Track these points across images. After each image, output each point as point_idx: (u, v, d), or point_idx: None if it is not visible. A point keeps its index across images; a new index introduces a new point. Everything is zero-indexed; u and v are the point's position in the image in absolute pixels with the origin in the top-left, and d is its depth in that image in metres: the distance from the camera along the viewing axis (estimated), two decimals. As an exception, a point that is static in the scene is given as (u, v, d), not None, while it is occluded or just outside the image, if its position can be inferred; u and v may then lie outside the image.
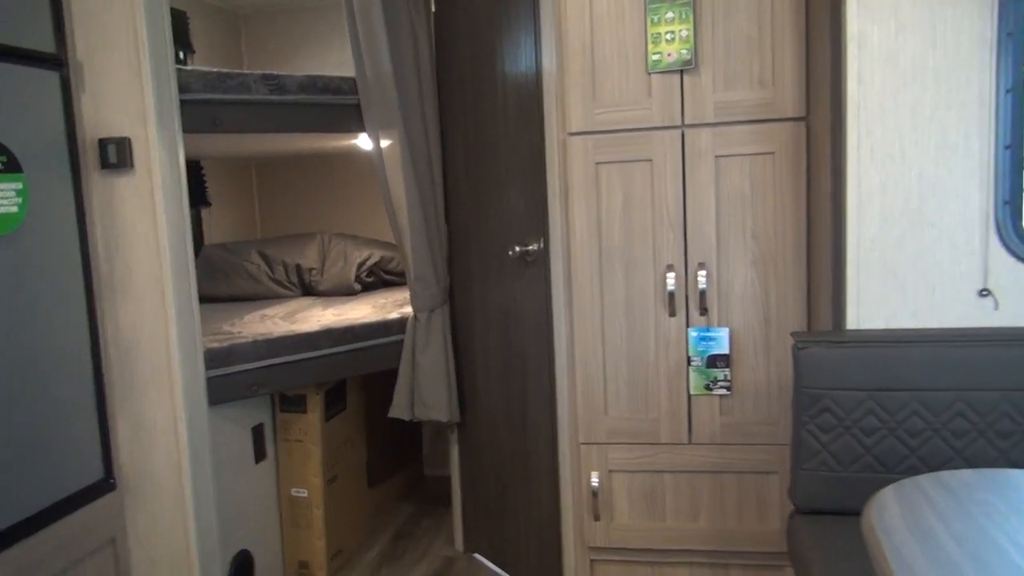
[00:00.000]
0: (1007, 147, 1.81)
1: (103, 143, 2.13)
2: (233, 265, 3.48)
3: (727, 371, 2.15)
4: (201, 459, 2.25)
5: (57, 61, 2.05)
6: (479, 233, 2.69)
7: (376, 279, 3.54)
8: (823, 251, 2.04)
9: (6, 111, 1.86)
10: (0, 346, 1.84)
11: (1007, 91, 1.80)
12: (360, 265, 3.47)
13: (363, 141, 3.03)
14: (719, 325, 2.15)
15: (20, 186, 1.89)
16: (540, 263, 2.37)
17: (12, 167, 1.87)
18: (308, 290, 3.51)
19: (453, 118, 2.76)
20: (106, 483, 2.16)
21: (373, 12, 2.56)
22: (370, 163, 3.62)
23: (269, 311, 3.09)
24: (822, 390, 1.76)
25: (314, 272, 3.51)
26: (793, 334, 1.87)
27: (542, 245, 2.35)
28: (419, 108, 2.69)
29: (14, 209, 1.88)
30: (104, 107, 2.13)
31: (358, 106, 2.66)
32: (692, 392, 2.18)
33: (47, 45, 2.03)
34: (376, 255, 3.53)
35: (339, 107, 2.65)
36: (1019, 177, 1.82)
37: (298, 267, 3.51)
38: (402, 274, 3.54)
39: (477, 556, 2.90)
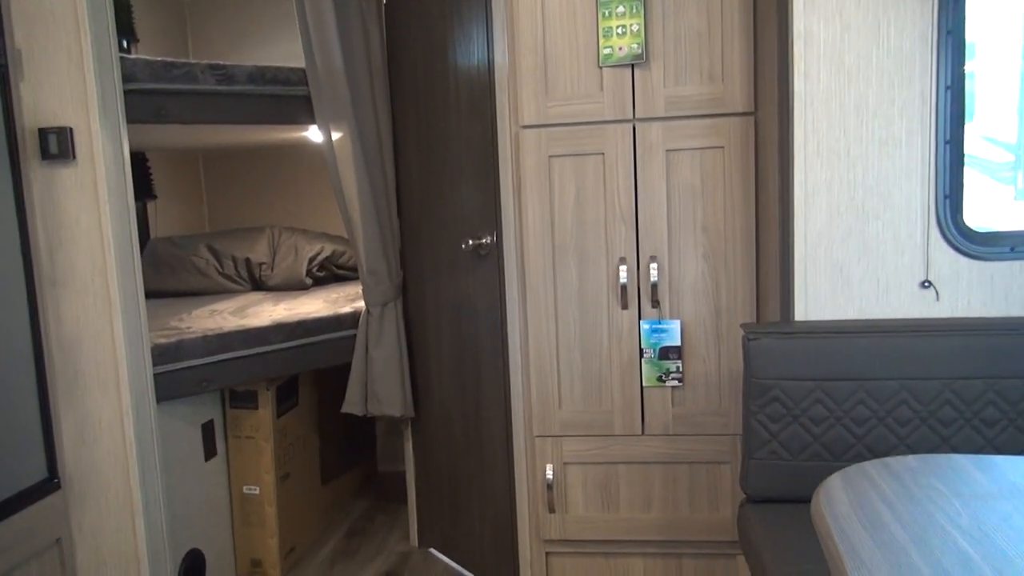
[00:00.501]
0: (947, 142, 1.86)
1: (43, 133, 2.06)
2: (180, 259, 3.41)
3: (679, 363, 2.18)
4: (149, 457, 2.21)
5: (-6, 48, 1.99)
6: (432, 227, 2.68)
7: (327, 273, 3.51)
8: (771, 244, 2.08)
9: (-61, 99, 1.80)
10: (-65, 343, 1.78)
11: (947, 88, 1.85)
12: (311, 259, 3.44)
13: (313, 133, 2.99)
14: (671, 317, 2.18)
15: (-44, 177, 1.83)
16: (493, 256, 2.37)
17: (-54, 157, 1.81)
18: (258, 285, 3.46)
19: (404, 110, 2.74)
20: (50, 482, 2.10)
21: (323, 3, 2.53)
22: (320, 156, 3.57)
23: (218, 306, 3.03)
24: (771, 380, 1.79)
25: (264, 266, 3.45)
26: (743, 326, 1.90)
27: (495, 238, 2.35)
28: (370, 100, 2.66)
29: (-51, 201, 1.81)
30: (44, 96, 2.07)
31: (308, 98, 2.62)
32: (645, 384, 2.21)
33: (-18, 31, 1.96)
34: (327, 249, 3.50)
35: (288, 98, 2.61)
36: (959, 172, 1.87)
37: (248, 261, 3.45)
38: (354, 268, 3.50)
39: (432, 551, 2.89)
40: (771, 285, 2.09)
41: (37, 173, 2.08)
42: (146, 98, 2.28)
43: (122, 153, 2.15)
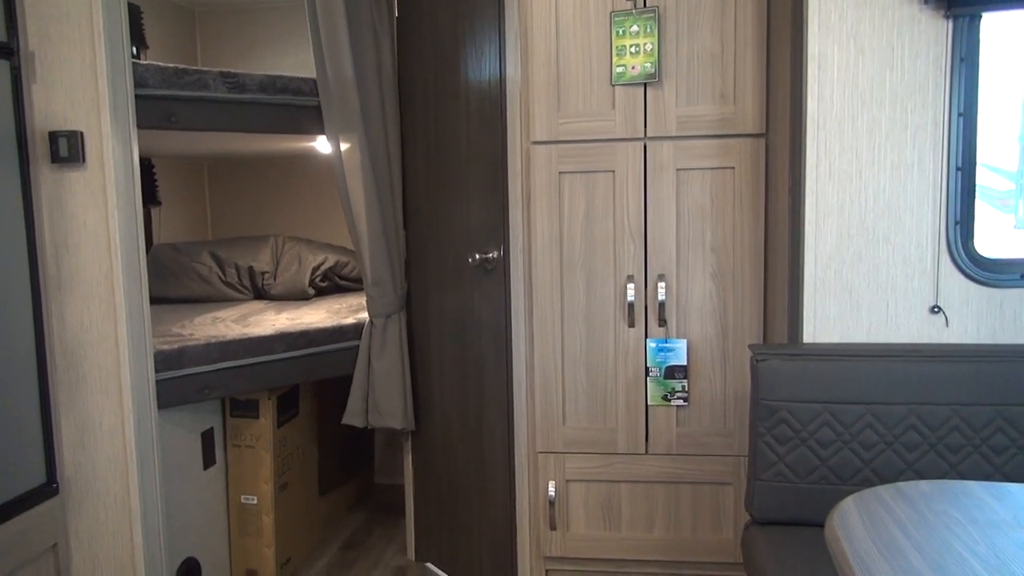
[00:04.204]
0: (959, 169, 1.87)
1: (54, 136, 2.06)
2: (183, 266, 3.40)
3: (685, 382, 2.17)
4: (148, 464, 2.19)
5: (8, 50, 1.99)
6: (438, 240, 2.67)
7: (330, 284, 3.50)
8: (780, 265, 2.08)
9: (-48, 99, 1.80)
10: (-61, 344, 1.76)
11: (959, 114, 1.86)
12: (315, 269, 3.43)
13: (321, 144, 2.99)
14: (677, 336, 2.17)
15: (-35, 178, 1.82)
16: (499, 271, 2.37)
17: (-43, 158, 1.80)
18: (260, 294, 3.45)
19: (414, 124, 2.74)
20: (48, 487, 2.08)
21: (336, 15, 2.53)
22: (326, 166, 3.59)
23: (221, 313, 3.02)
24: (779, 402, 1.78)
25: (267, 276, 3.44)
26: (751, 347, 1.89)
27: (502, 253, 2.35)
28: (380, 112, 2.67)
29: (-42, 201, 1.81)
30: (56, 99, 2.07)
31: (318, 108, 2.63)
32: (650, 403, 2.20)
33: (-3, 33, 1.96)
34: (331, 260, 3.49)
35: (298, 108, 2.61)
36: (970, 199, 1.88)
37: (251, 270, 3.44)
38: (357, 279, 3.50)
39: (429, 565, 2.87)
40: (779, 306, 2.08)
41: (46, 176, 2.08)
42: (157, 104, 2.27)
43: (132, 158, 2.14)
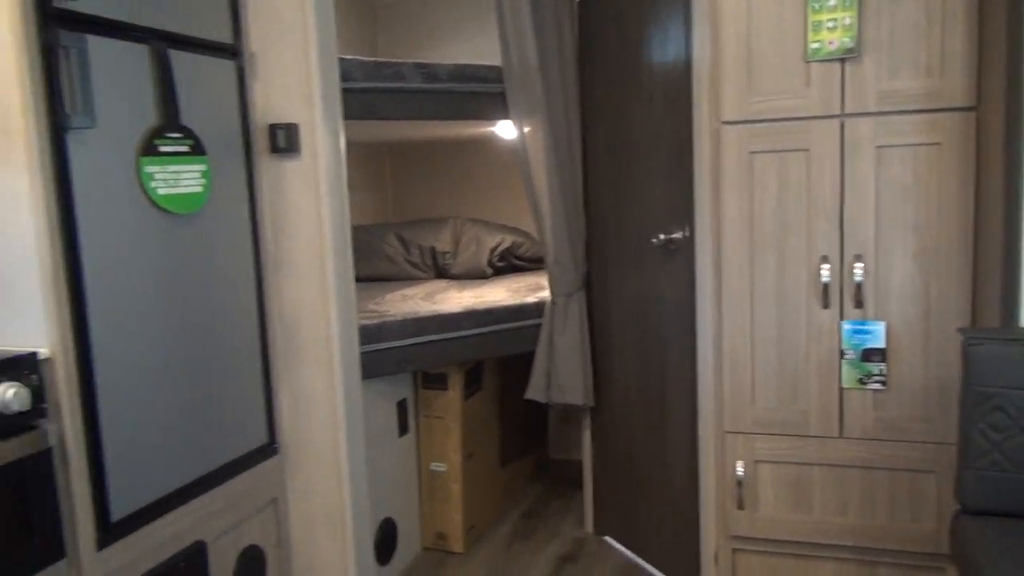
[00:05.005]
0: None
1: (273, 128, 2.25)
2: (372, 247, 3.61)
3: (883, 366, 2.11)
4: (355, 429, 2.37)
5: (234, 51, 2.18)
6: (618, 220, 2.71)
7: (507, 264, 3.61)
8: (992, 246, 1.97)
9: (192, 98, 2.00)
10: (187, 319, 1.99)
11: None
12: (493, 250, 3.55)
13: (501, 128, 3.09)
14: (875, 318, 2.10)
15: (204, 168, 2.03)
16: (684, 251, 2.38)
17: (197, 150, 2.01)
18: (441, 272, 3.61)
19: (594, 106, 2.79)
20: (270, 448, 2.30)
21: (521, 3, 2.61)
22: (501, 150, 3.70)
23: (408, 291, 3.20)
24: (994, 388, 1.70)
25: (448, 255, 3.60)
26: (961, 330, 1.81)
27: (687, 233, 2.35)
28: (562, 96, 2.73)
29: (199, 189, 2.02)
30: (274, 95, 2.26)
31: (502, 94, 2.72)
32: (844, 385, 2.15)
33: (225, 36, 2.16)
34: (508, 240, 3.60)
35: (485, 95, 2.72)
36: None
37: (433, 250, 3.61)
38: (532, 259, 3.60)
39: (607, 539, 2.94)
40: (990, 289, 1.98)
41: (267, 165, 2.28)
42: (360, 96, 2.43)
43: (339, 147, 2.31)
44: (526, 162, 2.73)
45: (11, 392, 1.55)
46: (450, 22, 3.81)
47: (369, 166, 4.05)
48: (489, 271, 3.52)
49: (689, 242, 2.34)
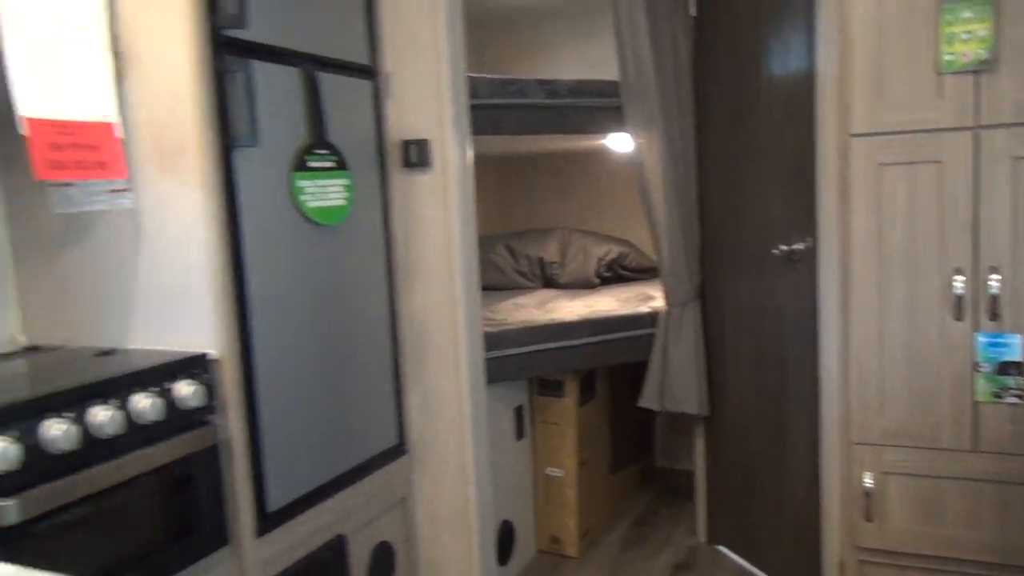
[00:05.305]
0: None
1: (406, 144, 2.37)
2: (481, 257, 3.70)
3: (1020, 379, 2.07)
4: (480, 432, 2.46)
5: (371, 71, 2.32)
6: (735, 231, 2.73)
7: (613, 274, 3.66)
8: None
9: (335, 116, 2.14)
10: (330, 325, 2.11)
11: None
12: (600, 260, 3.60)
13: (611, 140, 3.15)
14: (1012, 331, 2.07)
15: (347, 182, 2.16)
16: (805, 262, 2.38)
17: (341, 165, 2.14)
18: (548, 282, 3.69)
19: (709, 119, 2.82)
20: (399, 448, 2.41)
21: (638, 19, 2.67)
22: (605, 163, 3.76)
23: (520, 300, 3.29)
24: None
25: (555, 265, 3.68)
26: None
27: (810, 245, 2.36)
28: (677, 110, 2.77)
29: (343, 202, 2.15)
30: (407, 112, 2.37)
31: (618, 108, 2.78)
32: (978, 399, 2.12)
33: (363, 57, 2.30)
34: (614, 251, 3.65)
35: (602, 109, 2.78)
36: None
37: (540, 260, 3.69)
38: (637, 269, 3.64)
39: (721, 547, 2.95)
40: None
41: (399, 179, 2.40)
42: (486, 112, 2.53)
43: (467, 161, 2.41)
44: (642, 174, 2.79)
45: (189, 389, 1.69)
46: (551, 37, 3.89)
47: (475, 178, 4.15)
48: (596, 281, 3.57)
49: (811, 253, 2.34)
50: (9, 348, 2.00)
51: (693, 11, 2.82)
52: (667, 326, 2.83)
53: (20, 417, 1.41)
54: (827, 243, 2.27)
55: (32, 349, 1.98)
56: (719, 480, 2.92)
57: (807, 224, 2.36)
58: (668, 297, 2.82)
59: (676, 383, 2.83)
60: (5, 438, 1.37)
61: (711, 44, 2.79)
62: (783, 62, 2.45)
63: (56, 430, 1.44)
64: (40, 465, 1.42)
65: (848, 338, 2.25)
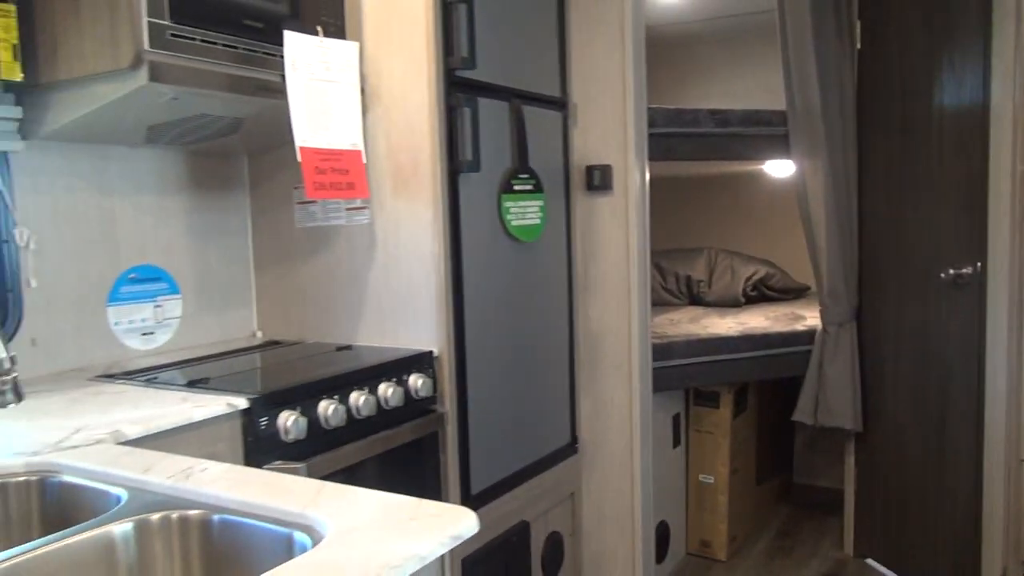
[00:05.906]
0: None
1: (590, 169, 2.59)
2: (632, 272, 3.90)
3: None
4: (647, 435, 2.65)
5: (561, 103, 2.55)
6: (898, 255, 2.83)
7: (758, 293, 3.77)
8: None
9: (535, 144, 2.38)
10: (522, 331, 2.35)
11: None
12: (747, 279, 3.73)
13: (768, 166, 3.30)
14: None
15: (542, 203, 2.40)
16: (973, 286, 2.48)
17: (538, 188, 2.39)
18: (695, 300, 3.83)
19: (873, 147, 2.93)
20: (572, 447, 2.63)
21: (806, 52, 2.82)
22: (749, 185, 3.89)
23: (672, 316, 3.46)
24: None
25: (702, 284, 3.82)
26: None
27: (978, 269, 2.45)
28: (841, 138, 2.90)
29: (538, 221, 2.39)
30: (591, 140, 2.60)
31: (783, 136, 2.93)
32: None
33: (555, 91, 2.54)
34: (761, 271, 3.77)
35: (768, 137, 2.94)
36: None
37: (688, 278, 3.85)
38: (782, 290, 3.75)
39: (869, 561, 3.03)
40: None
41: (581, 201, 2.62)
42: (661, 140, 2.74)
43: (645, 184, 2.61)
44: (804, 198, 2.93)
45: (421, 381, 1.96)
46: (707, 65, 4.06)
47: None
48: (742, 300, 3.70)
49: (979, 276, 2.44)
50: (252, 342, 2.33)
51: (859, 43, 2.95)
52: (823, 344, 2.95)
53: (304, 396, 1.70)
54: (996, 268, 2.36)
55: (274, 343, 2.30)
56: (869, 494, 3.01)
57: (976, 250, 2.45)
58: (825, 316, 2.94)
59: (831, 399, 2.94)
60: (295, 412, 1.66)
61: (875, 76, 2.90)
62: (955, 94, 2.55)
63: (330, 408, 1.72)
64: (318, 438, 1.70)
65: (1021, 360, 2.33)
